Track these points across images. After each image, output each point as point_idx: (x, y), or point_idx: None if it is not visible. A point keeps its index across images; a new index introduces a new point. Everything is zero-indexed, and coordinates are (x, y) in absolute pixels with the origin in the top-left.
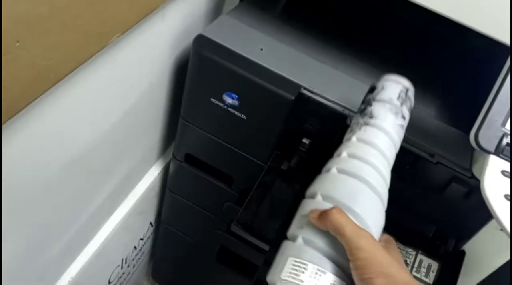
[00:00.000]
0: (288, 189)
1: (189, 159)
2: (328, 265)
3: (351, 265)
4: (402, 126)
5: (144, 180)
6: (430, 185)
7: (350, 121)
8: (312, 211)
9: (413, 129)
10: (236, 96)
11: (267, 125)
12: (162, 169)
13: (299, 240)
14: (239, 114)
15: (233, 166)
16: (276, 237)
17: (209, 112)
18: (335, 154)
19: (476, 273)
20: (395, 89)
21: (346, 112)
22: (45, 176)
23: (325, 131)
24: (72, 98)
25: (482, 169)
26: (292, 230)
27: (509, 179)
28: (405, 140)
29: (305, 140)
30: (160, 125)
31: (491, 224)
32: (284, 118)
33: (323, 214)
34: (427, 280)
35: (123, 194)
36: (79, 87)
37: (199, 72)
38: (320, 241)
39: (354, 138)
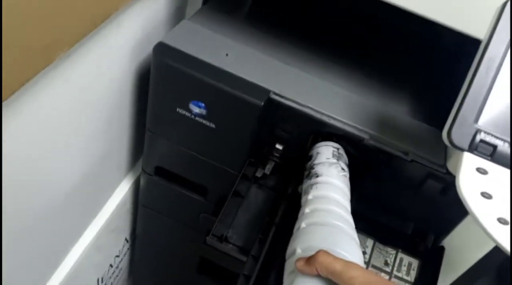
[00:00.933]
0: (264, 196)
1: (160, 172)
2: None
3: None
4: (345, 175)
5: (114, 196)
6: (406, 183)
7: (301, 189)
8: (298, 261)
9: (386, 128)
10: (203, 105)
11: (237, 132)
12: (132, 183)
13: None
14: (208, 123)
15: (207, 177)
16: (253, 249)
17: (176, 123)
18: (300, 214)
19: (456, 268)
20: (328, 150)
21: (317, 115)
22: (7, 200)
23: (297, 136)
24: (20, 122)
25: (457, 167)
26: None
27: (485, 176)
28: (379, 140)
29: (278, 146)
30: (126, 139)
31: (469, 218)
32: (254, 124)
33: (310, 260)
34: (408, 278)
35: (93, 213)
36: (25, 111)
37: (162, 82)
38: None
39: (310, 196)
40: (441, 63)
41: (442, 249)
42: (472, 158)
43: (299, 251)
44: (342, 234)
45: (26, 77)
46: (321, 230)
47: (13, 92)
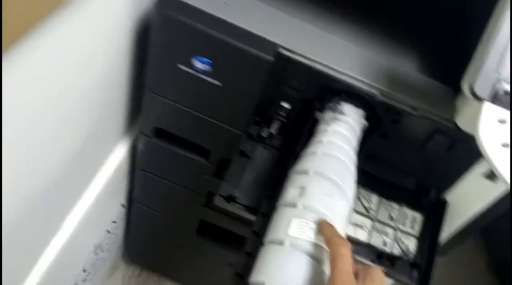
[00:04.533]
0: (270, 156)
1: (159, 133)
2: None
3: None
4: (364, 124)
5: (111, 160)
6: (413, 139)
7: (319, 116)
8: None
9: (395, 84)
10: (208, 61)
11: (244, 90)
12: (129, 147)
13: (300, 206)
14: (212, 80)
15: (209, 137)
16: (262, 206)
17: (178, 80)
18: (316, 139)
19: (458, 221)
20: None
21: (328, 70)
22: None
23: (305, 93)
24: (15, 79)
25: (472, 118)
26: (289, 198)
27: (504, 127)
28: (389, 95)
29: (284, 104)
30: (124, 100)
31: (473, 172)
32: (262, 82)
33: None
34: (413, 232)
35: (89, 177)
36: (19, 67)
37: (164, 36)
38: (318, 205)
39: (330, 129)
40: (450, 20)
41: (444, 203)
42: (493, 108)
43: (311, 173)
44: (348, 172)
45: (30, 22)
46: (334, 163)
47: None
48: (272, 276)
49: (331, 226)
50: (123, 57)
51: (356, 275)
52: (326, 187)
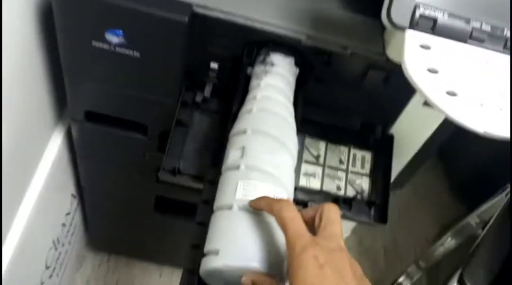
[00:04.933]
0: (209, 121)
1: (91, 116)
2: (272, 181)
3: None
4: (295, 73)
5: (47, 153)
6: (348, 79)
7: (251, 71)
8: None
9: (319, 25)
10: (121, 32)
11: (165, 57)
12: (64, 135)
13: (242, 167)
14: (131, 52)
15: (142, 112)
16: (207, 174)
17: (95, 59)
18: (250, 96)
19: (406, 152)
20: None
21: (248, 22)
22: None
23: (231, 50)
24: None
25: (399, 48)
26: (231, 161)
27: (429, 52)
28: (315, 38)
29: (213, 65)
30: (47, 88)
31: (412, 102)
32: (182, 45)
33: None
34: (364, 171)
35: (28, 174)
36: None
37: (68, 14)
38: (261, 163)
39: (263, 83)
40: None
41: (391, 137)
42: (415, 34)
43: (249, 132)
44: (287, 125)
45: None
46: (270, 117)
47: None
48: (225, 242)
49: (263, 197)
50: (33, 45)
51: (311, 223)
52: (266, 143)
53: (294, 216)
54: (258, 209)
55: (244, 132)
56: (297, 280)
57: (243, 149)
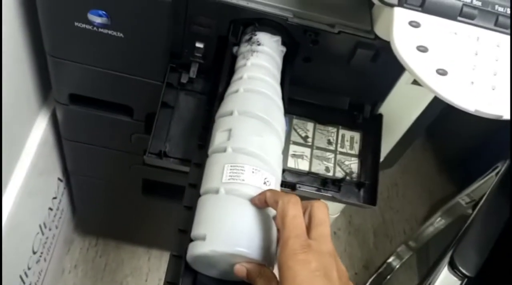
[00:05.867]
0: (194, 102)
1: (75, 99)
2: (260, 164)
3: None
4: (282, 51)
5: (31, 137)
6: (336, 58)
7: (238, 51)
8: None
9: (307, 3)
10: (104, 13)
11: (150, 37)
12: (49, 119)
13: (229, 150)
14: (114, 33)
15: (128, 94)
16: (194, 156)
17: (78, 40)
18: (236, 77)
19: (395, 131)
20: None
21: (235, 1)
22: None
23: (218, 29)
24: None
25: (388, 26)
26: (218, 144)
27: (418, 30)
28: (302, 16)
29: (198, 44)
30: (30, 71)
31: (401, 80)
32: (166, 25)
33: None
34: (352, 152)
35: (13, 159)
36: None
37: None
38: (247, 145)
39: (249, 63)
40: None
41: (380, 116)
42: (403, 12)
43: (236, 113)
44: (274, 106)
45: None
46: (257, 98)
47: None
48: (212, 226)
49: (270, 191)
50: (15, 26)
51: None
52: (253, 125)
53: (296, 215)
54: (261, 200)
55: (231, 113)
56: (288, 282)
57: (229, 131)
